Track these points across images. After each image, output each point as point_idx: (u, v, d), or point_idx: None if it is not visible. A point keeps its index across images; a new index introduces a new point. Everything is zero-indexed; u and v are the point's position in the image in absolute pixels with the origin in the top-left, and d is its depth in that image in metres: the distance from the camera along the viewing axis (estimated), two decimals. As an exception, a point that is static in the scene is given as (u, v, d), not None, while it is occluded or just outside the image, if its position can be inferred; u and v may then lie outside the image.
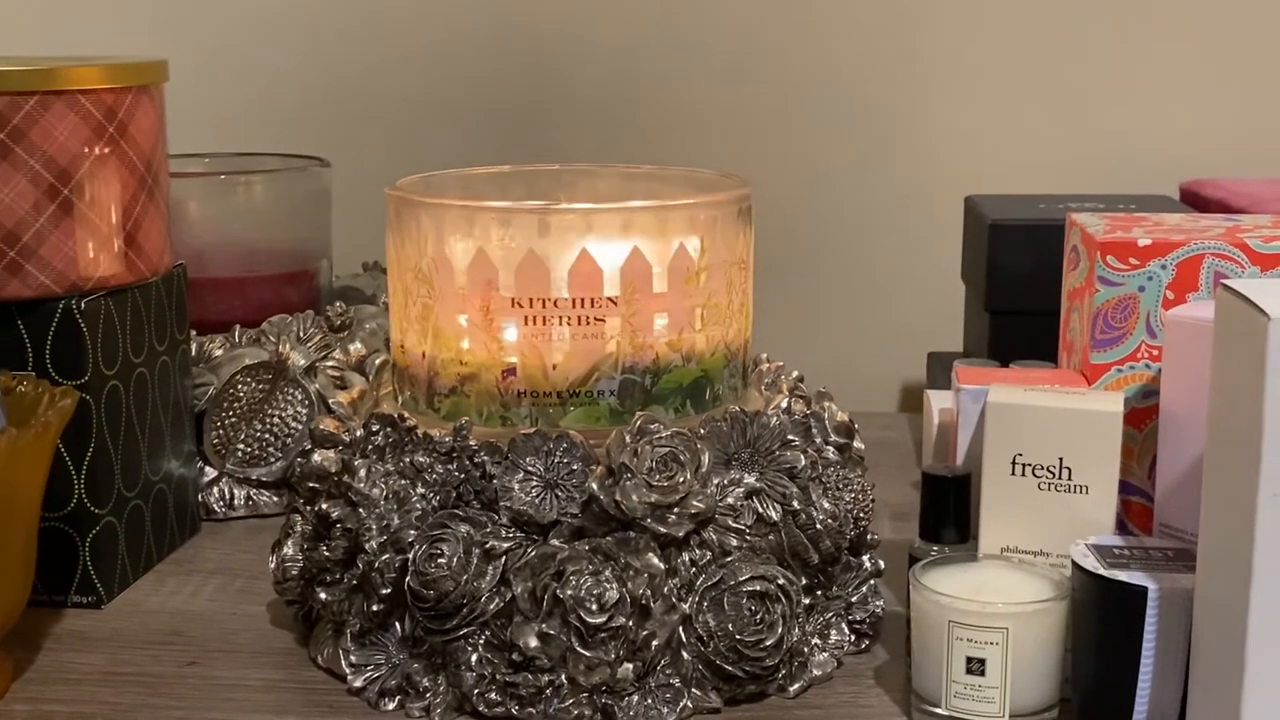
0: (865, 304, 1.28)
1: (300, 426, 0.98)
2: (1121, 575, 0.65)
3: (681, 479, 0.70)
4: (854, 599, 0.77)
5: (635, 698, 0.69)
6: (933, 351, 1.18)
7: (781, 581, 0.71)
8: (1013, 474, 0.70)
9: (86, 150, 0.81)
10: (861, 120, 1.25)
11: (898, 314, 1.27)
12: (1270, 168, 1.21)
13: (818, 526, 0.73)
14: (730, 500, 0.72)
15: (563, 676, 0.69)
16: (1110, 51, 1.23)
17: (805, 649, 0.73)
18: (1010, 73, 1.24)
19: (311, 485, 0.75)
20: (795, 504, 0.73)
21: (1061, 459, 0.70)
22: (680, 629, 0.70)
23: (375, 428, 0.74)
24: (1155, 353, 0.75)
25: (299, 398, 0.98)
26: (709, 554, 0.71)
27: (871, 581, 0.78)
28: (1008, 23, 1.23)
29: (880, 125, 1.25)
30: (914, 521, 0.76)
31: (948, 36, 1.23)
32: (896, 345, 1.27)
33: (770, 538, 0.72)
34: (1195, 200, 1.11)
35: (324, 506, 0.74)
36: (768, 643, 0.70)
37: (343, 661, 0.73)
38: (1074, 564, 0.67)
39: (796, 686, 0.72)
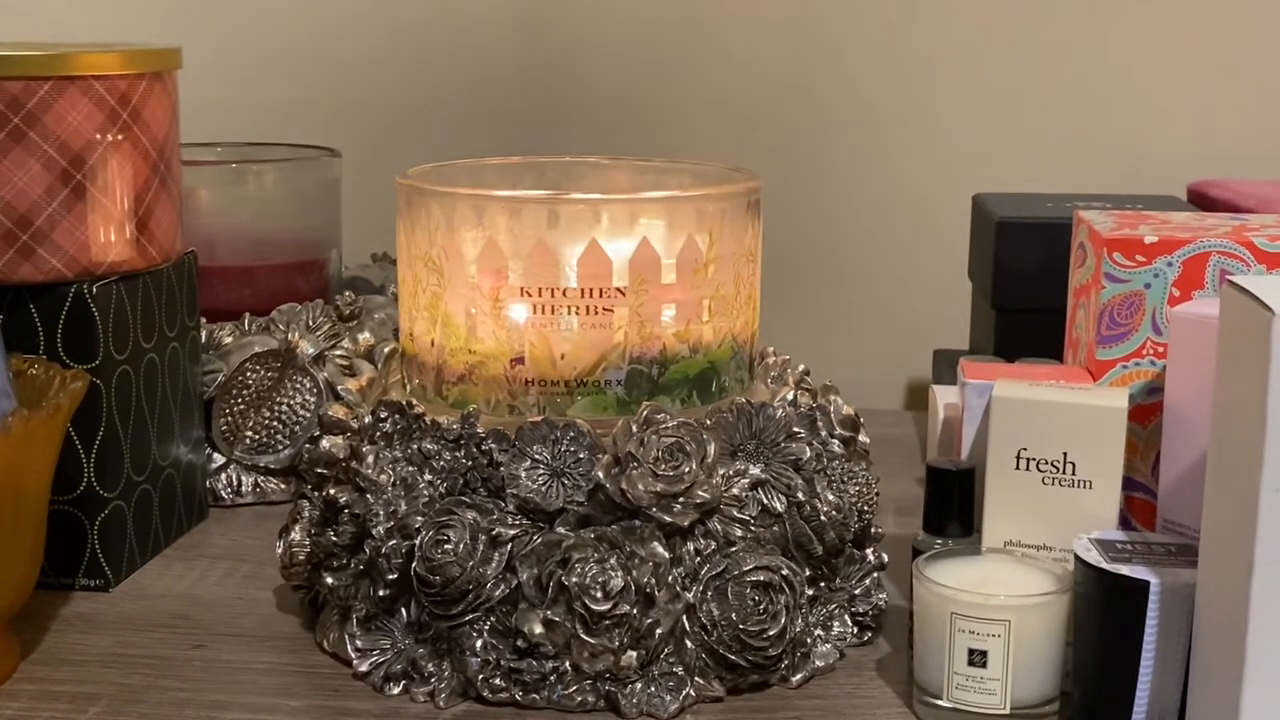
0: (871, 301, 1.28)
1: (308, 414, 0.98)
2: (1124, 569, 0.65)
3: (687, 469, 0.70)
4: (857, 591, 0.77)
5: (639, 685, 0.69)
6: (939, 349, 1.18)
7: (785, 572, 0.71)
8: (1017, 468, 0.71)
9: (100, 136, 0.81)
10: (870, 118, 1.25)
11: (904, 311, 1.28)
12: (1278, 170, 1.21)
13: (822, 518, 0.73)
14: (735, 491, 0.72)
15: (567, 663, 0.69)
16: (1119, 52, 1.23)
17: (808, 640, 0.73)
18: (1018, 72, 1.24)
19: (320, 471, 0.76)
20: (800, 495, 0.73)
21: (1066, 454, 0.70)
22: (684, 618, 0.70)
23: (384, 414, 0.74)
24: (1160, 349, 0.75)
25: (307, 386, 0.99)
26: (713, 544, 0.71)
27: (875, 574, 0.78)
28: (1016, 22, 1.23)
29: (888, 124, 1.25)
30: (918, 517, 0.77)
31: (957, 35, 1.24)
32: (902, 343, 1.27)
33: (775, 529, 0.73)
34: (1202, 201, 1.11)
35: (332, 492, 0.74)
36: (771, 632, 0.70)
37: (348, 646, 0.73)
38: (1077, 558, 0.67)
39: (799, 677, 0.72)
